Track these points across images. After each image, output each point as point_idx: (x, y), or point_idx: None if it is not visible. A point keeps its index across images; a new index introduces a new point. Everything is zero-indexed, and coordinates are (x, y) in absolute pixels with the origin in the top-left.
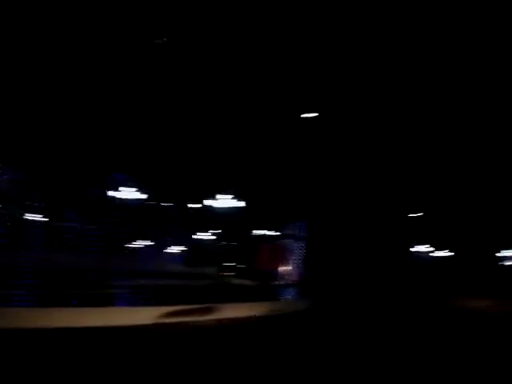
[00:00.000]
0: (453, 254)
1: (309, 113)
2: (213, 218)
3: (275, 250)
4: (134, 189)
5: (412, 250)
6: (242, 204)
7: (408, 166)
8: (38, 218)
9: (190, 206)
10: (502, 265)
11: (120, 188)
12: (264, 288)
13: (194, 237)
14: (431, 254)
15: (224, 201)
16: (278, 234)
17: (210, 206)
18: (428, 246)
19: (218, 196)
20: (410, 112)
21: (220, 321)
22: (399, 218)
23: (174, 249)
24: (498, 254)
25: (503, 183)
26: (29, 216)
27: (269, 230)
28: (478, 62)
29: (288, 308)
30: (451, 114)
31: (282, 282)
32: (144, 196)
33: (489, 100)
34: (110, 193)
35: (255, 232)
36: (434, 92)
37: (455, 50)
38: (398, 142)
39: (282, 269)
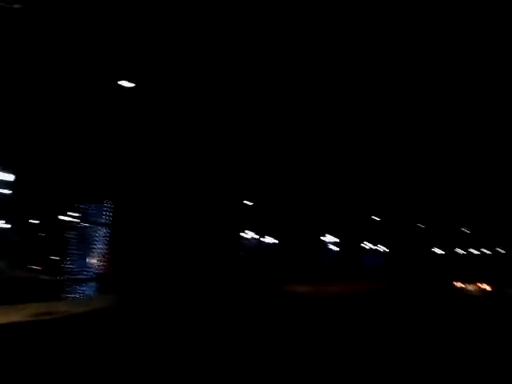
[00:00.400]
0: (278, 241)
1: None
2: None
3: (77, 239)
4: None
5: (241, 235)
6: (10, 177)
7: (241, 151)
8: None
9: None
10: (327, 249)
11: None
12: (55, 284)
13: None
14: (261, 240)
15: None
16: (78, 219)
17: None
18: (255, 232)
19: None
20: (242, 88)
21: None
22: (229, 203)
23: None
24: (323, 238)
25: (327, 173)
26: None
27: (64, 215)
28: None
29: (78, 308)
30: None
31: (84, 276)
32: None
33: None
34: None
35: (55, 217)
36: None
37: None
38: (232, 122)
39: (86, 261)
